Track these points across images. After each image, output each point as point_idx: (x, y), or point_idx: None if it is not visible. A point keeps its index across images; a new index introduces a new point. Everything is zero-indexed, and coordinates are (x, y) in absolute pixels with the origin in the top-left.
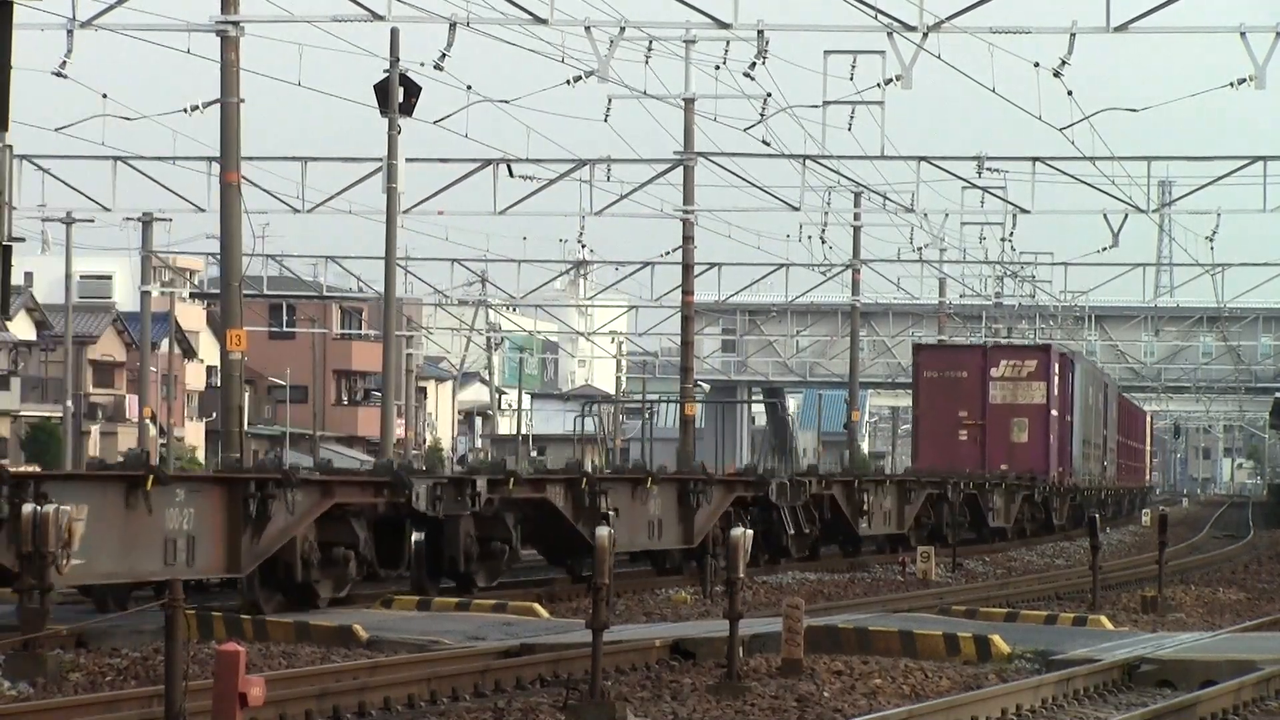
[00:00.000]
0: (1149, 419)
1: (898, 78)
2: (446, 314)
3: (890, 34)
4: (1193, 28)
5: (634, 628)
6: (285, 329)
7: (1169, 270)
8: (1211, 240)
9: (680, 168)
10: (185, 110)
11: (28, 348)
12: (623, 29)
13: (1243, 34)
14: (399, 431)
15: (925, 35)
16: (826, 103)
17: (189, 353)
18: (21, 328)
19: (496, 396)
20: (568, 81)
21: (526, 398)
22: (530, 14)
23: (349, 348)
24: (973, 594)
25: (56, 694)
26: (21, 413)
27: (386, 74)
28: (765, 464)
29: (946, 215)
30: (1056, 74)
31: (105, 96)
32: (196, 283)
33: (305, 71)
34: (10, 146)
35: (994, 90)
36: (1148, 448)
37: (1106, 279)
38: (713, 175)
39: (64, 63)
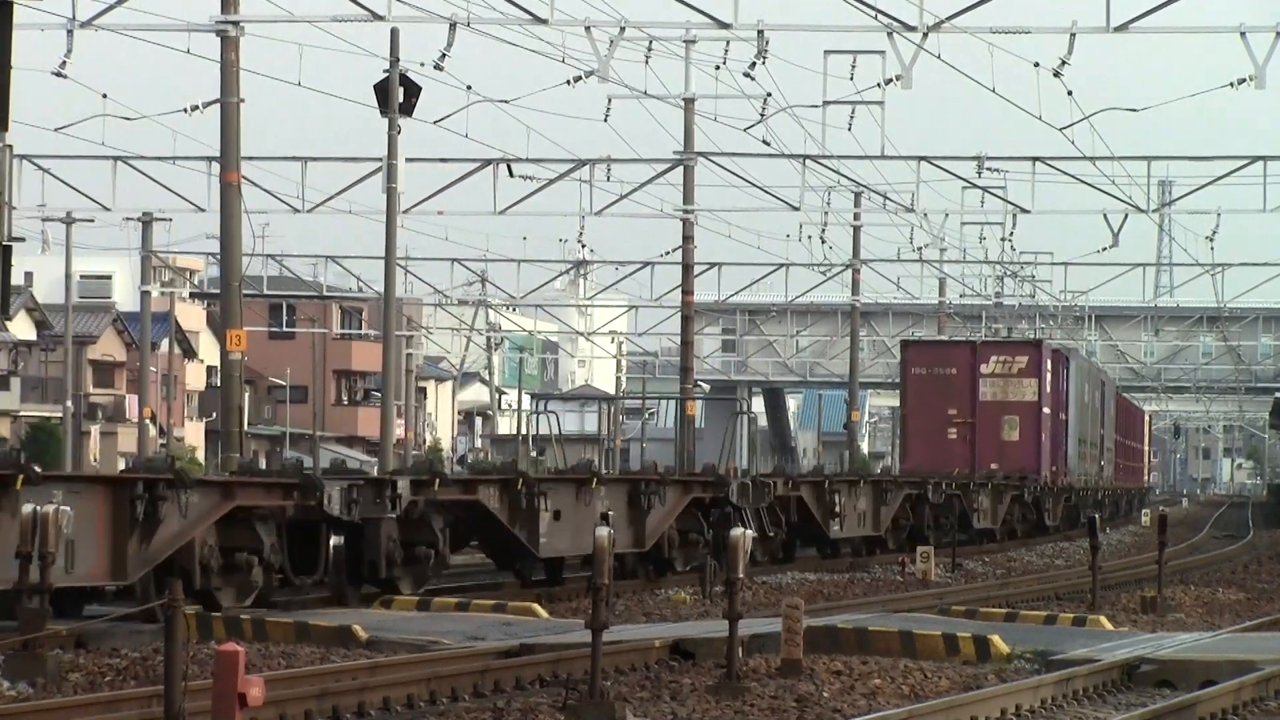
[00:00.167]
0: (1147, 418)
1: (898, 78)
2: (446, 314)
3: (890, 34)
4: (1193, 28)
5: (634, 628)
6: (285, 329)
7: (1169, 270)
8: (1211, 240)
9: (680, 168)
10: (185, 110)
11: (28, 348)
12: (623, 29)
13: (1243, 34)
14: (399, 432)
15: (925, 35)
16: (826, 103)
17: (189, 353)
18: (21, 328)
19: (496, 396)
20: (568, 81)
21: (526, 398)
22: (530, 14)
23: (349, 348)
24: (972, 594)
25: (56, 694)
26: (21, 413)
27: (386, 74)
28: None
29: (946, 215)
30: (1056, 74)
31: (105, 96)
32: (196, 283)
33: (305, 71)
34: (10, 146)
35: (994, 90)
36: (1146, 447)
37: (1106, 279)
38: (713, 175)
39: (64, 63)
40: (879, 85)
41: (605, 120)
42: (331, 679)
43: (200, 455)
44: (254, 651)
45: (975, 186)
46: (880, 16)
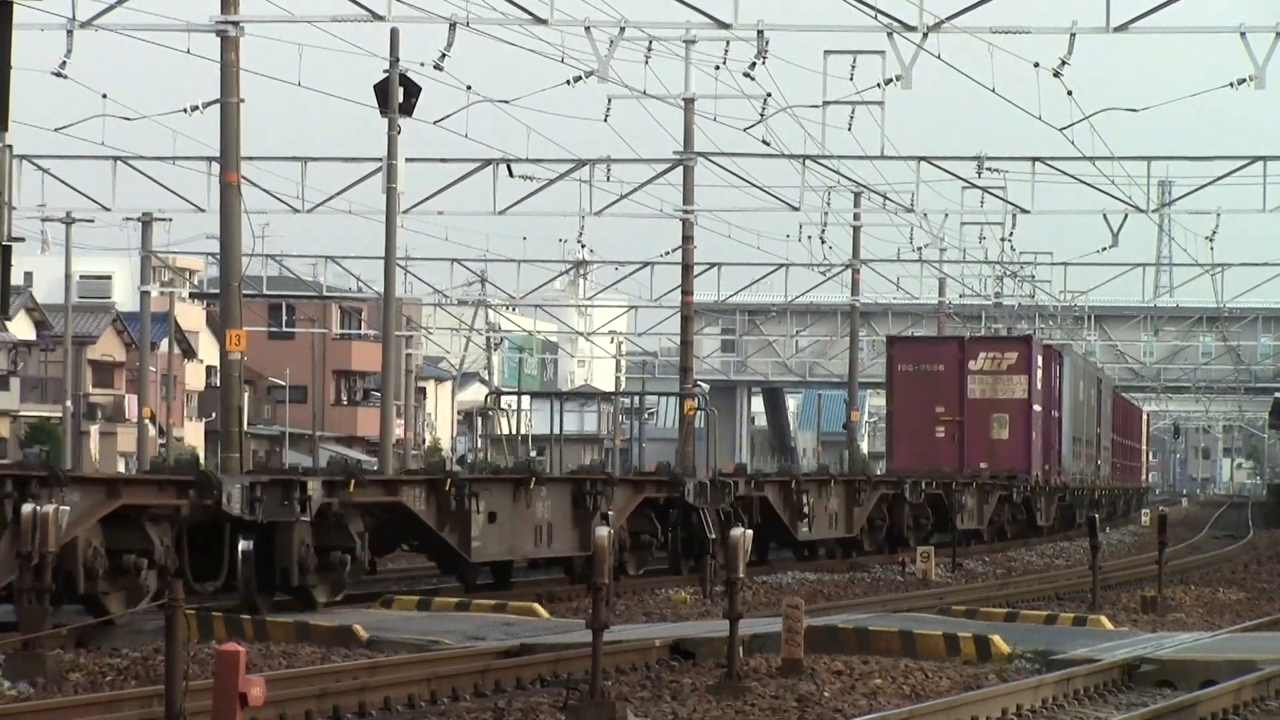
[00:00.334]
0: (1145, 417)
1: (898, 78)
2: (446, 314)
3: (890, 34)
4: (1193, 28)
5: (634, 628)
6: (285, 329)
7: (1169, 270)
8: (1211, 240)
9: (680, 168)
10: (185, 110)
11: (28, 348)
12: (623, 29)
13: (1243, 34)
14: (399, 432)
15: (925, 35)
16: (826, 103)
17: (189, 353)
18: (21, 328)
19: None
20: (568, 81)
21: (526, 398)
22: (530, 14)
23: (349, 348)
24: (973, 594)
25: (56, 694)
26: (21, 413)
27: (386, 74)
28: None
29: (946, 215)
30: (1056, 74)
31: (105, 96)
32: (196, 283)
33: (305, 71)
34: (10, 146)
35: (994, 90)
36: (1144, 446)
37: (1106, 279)
38: (713, 175)
39: (64, 63)
40: (879, 85)
41: (605, 120)
42: (332, 679)
43: (200, 455)
44: (255, 651)
45: (975, 186)
46: (880, 16)
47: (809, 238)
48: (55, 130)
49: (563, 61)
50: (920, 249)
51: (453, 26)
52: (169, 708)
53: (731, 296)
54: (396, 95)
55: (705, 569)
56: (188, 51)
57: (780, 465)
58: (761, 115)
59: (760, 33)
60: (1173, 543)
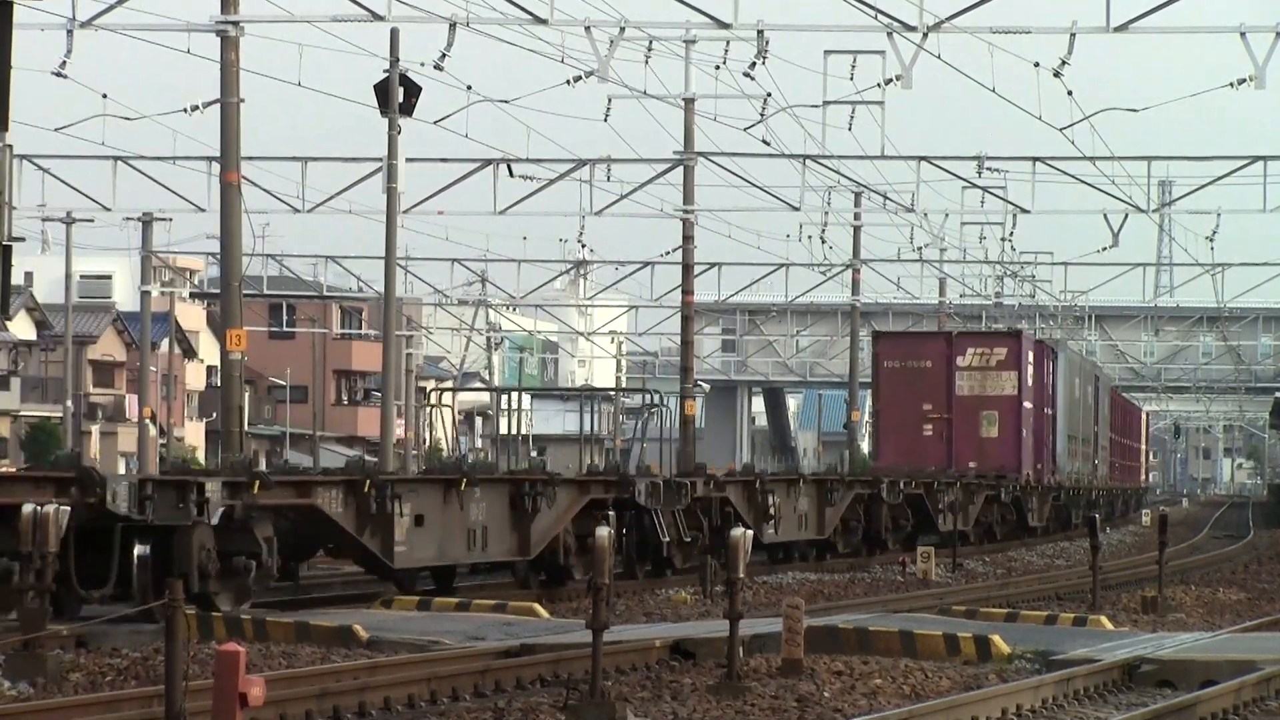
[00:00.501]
0: (1145, 416)
1: (898, 78)
2: (446, 314)
3: (890, 34)
4: (1193, 28)
5: (634, 628)
6: (285, 329)
7: (1169, 270)
8: (1211, 240)
9: (680, 168)
10: (185, 110)
11: (28, 348)
12: (623, 29)
13: (1243, 34)
14: (399, 431)
15: (925, 35)
16: (826, 103)
17: (189, 353)
18: (21, 328)
19: (496, 398)
20: (568, 81)
21: (526, 397)
22: (530, 14)
23: (349, 348)
24: (973, 594)
25: (56, 694)
26: (21, 413)
27: (386, 74)
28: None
29: (946, 215)
30: (1056, 74)
31: (105, 96)
32: (196, 283)
33: (305, 71)
34: (10, 146)
35: (994, 90)
36: (1143, 446)
37: (1106, 279)
38: (713, 175)
39: (64, 63)
40: (879, 85)
41: (605, 120)
42: (332, 679)
43: (200, 455)
44: (255, 651)
45: (975, 186)
46: (880, 16)
47: (809, 238)
48: (55, 130)
49: (563, 61)
50: (920, 249)
51: (453, 26)
52: (169, 708)
53: (732, 296)
54: (396, 95)
55: (705, 569)
56: (188, 51)
57: (786, 466)
58: (761, 115)
59: (760, 33)
60: (1173, 543)
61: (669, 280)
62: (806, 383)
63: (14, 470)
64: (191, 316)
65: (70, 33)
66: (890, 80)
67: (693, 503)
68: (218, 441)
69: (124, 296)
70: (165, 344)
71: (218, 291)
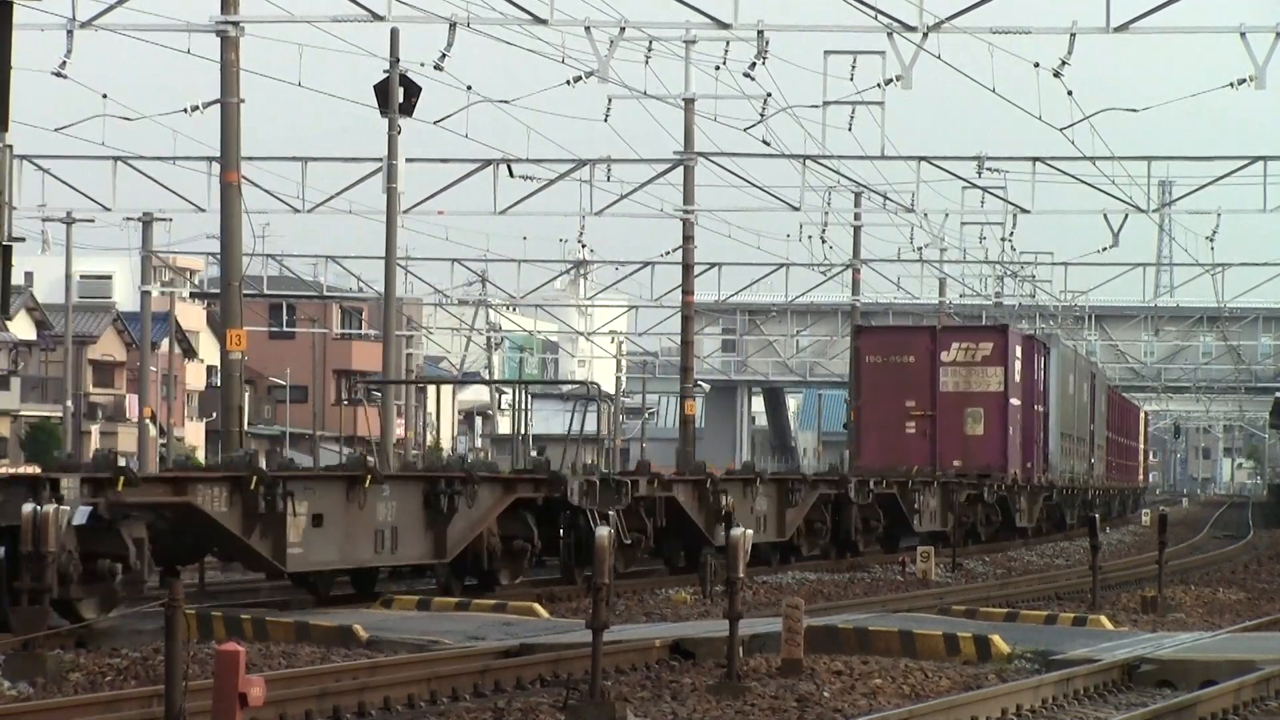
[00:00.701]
0: (1143, 415)
1: (898, 78)
2: (446, 314)
3: (890, 34)
4: (1193, 28)
5: (634, 628)
6: (285, 329)
7: (1169, 270)
8: (1211, 240)
9: (680, 168)
10: (185, 110)
11: (28, 347)
12: (623, 29)
13: (1243, 34)
14: (399, 431)
15: (925, 35)
16: (826, 103)
17: (189, 353)
18: (21, 328)
19: (496, 396)
20: (568, 81)
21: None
22: (530, 14)
23: (349, 348)
24: (972, 594)
25: (56, 694)
26: (21, 413)
27: (386, 74)
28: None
29: (946, 215)
30: (1056, 74)
31: (105, 96)
32: (196, 283)
33: (305, 71)
34: (10, 146)
35: (994, 90)
36: (1142, 445)
37: (1106, 279)
38: (713, 175)
39: (64, 63)
40: (879, 85)
41: (605, 120)
42: (332, 679)
43: (200, 455)
44: (254, 651)
45: (975, 186)
46: (880, 16)
47: (809, 238)
48: (55, 130)
49: (563, 61)
50: (920, 249)
51: (453, 26)
52: (169, 708)
53: (732, 296)
54: (396, 95)
55: (705, 569)
56: (188, 51)
57: (784, 465)
58: (761, 115)
59: (760, 33)
60: (1173, 543)
61: (669, 280)
62: (806, 383)
63: None
64: (191, 316)
65: (70, 33)
66: (890, 80)
67: (636, 503)
68: (218, 441)
69: (124, 296)
70: (165, 344)
71: (218, 291)
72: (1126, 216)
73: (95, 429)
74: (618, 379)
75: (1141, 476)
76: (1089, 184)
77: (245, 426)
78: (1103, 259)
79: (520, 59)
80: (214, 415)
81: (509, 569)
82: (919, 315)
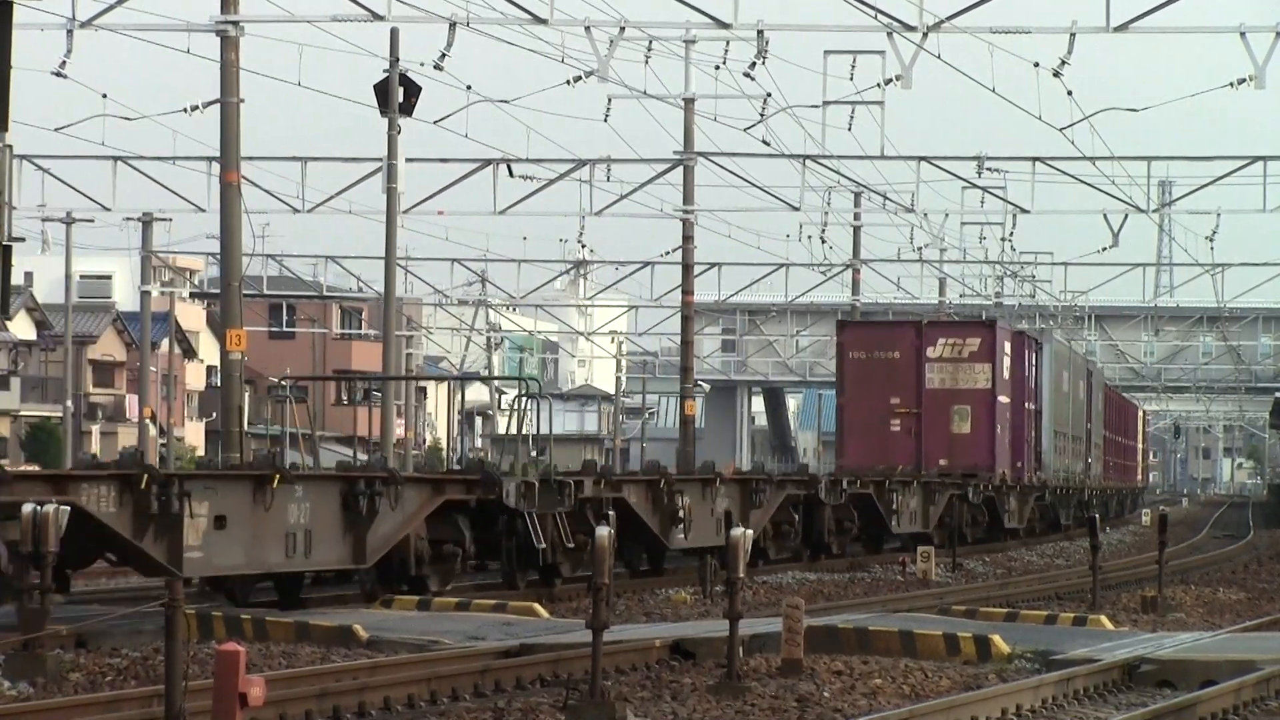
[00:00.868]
0: (1141, 414)
1: (898, 78)
2: (446, 314)
3: (890, 34)
4: (1193, 28)
5: (634, 628)
6: (285, 329)
7: (1169, 270)
8: (1211, 240)
9: (680, 168)
10: (185, 110)
11: (28, 348)
12: (623, 29)
13: (1243, 34)
14: (399, 431)
15: (925, 35)
16: (826, 103)
17: (189, 353)
18: (21, 328)
19: (496, 396)
20: (568, 81)
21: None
22: (530, 14)
23: (349, 348)
24: (973, 594)
25: (56, 694)
26: (21, 413)
27: (386, 74)
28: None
29: (946, 215)
30: (1056, 74)
31: (105, 96)
32: (196, 283)
33: (305, 71)
34: (10, 146)
35: (994, 90)
36: (1140, 445)
37: (1106, 279)
38: (713, 175)
39: (64, 63)
40: (879, 85)
41: (605, 120)
42: (332, 679)
43: (200, 455)
44: (255, 651)
45: (975, 186)
46: (880, 16)
47: (809, 238)
48: (55, 130)
49: (563, 61)
50: (920, 249)
51: (453, 26)
52: (169, 708)
53: (732, 296)
54: (396, 95)
55: (705, 569)
56: (188, 51)
57: (784, 465)
58: (761, 115)
59: (760, 33)
60: (1173, 542)
61: (669, 280)
62: (806, 383)
63: None
64: (191, 316)
65: (70, 33)
66: (890, 80)
67: (582, 504)
68: (218, 441)
69: (124, 296)
70: (165, 344)
71: (218, 291)
72: (1126, 216)
73: (95, 429)
74: (618, 379)
75: (1140, 476)
76: (1089, 184)
77: (245, 427)
78: (1103, 259)
79: (520, 59)
80: (214, 415)
81: (439, 575)
82: (919, 316)
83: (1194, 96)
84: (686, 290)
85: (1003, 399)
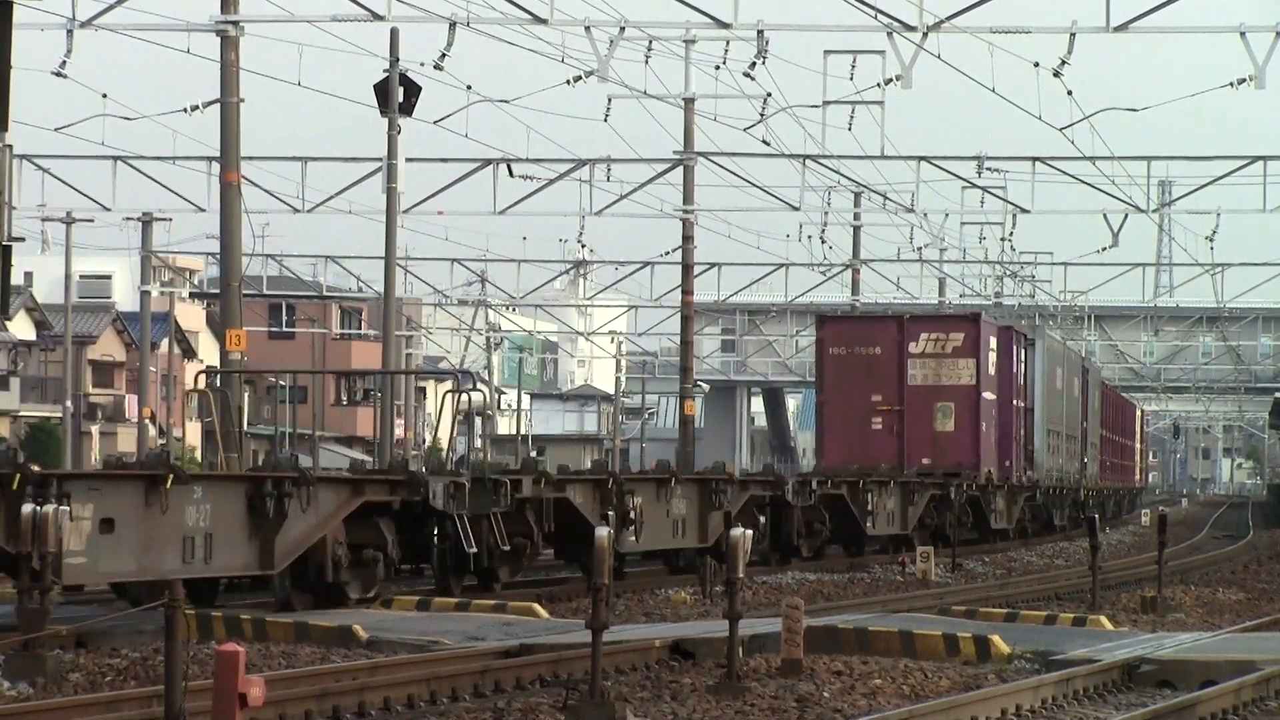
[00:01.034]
0: (1140, 413)
1: (898, 78)
2: (446, 314)
3: (890, 34)
4: (1193, 28)
5: (634, 628)
6: (285, 329)
7: (1169, 270)
8: (1211, 240)
9: (680, 168)
10: (185, 110)
11: (28, 348)
12: (623, 29)
13: (1243, 34)
14: (398, 431)
15: (925, 35)
16: (826, 103)
17: (189, 353)
18: (21, 328)
19: (496, 396)
20: (568, 81)
21: (526, 398)
22: (530, 14)
23: (349, 348)
24: (972, 594)
25: (56, 694)
26: (21, 413)
27: (386, 74)
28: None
29: (946, 215)
30: (1056, 74)
31: (105, 96)
32: (196, 283)
33: (305, 71)
34: (10, 146)
35: (994, 90)
36: (1139, 445)
37: (1106, 279)
38: (713, 175)
39: (64, 63)
40: (879, 85)
41: (605, 120)
42: (331, 679)
43: (200, 455)
44: (254, 651)
45: (975, 186)
46: (880, 16)
47: (809, 238)
48: (55, 130)
49: (563, 61)
50: (920, 249)
51: (453, 26)
52: (169, 708)
53: (731, 296)
54: (396, 95)
55: (705, 569)
56: (188, 51)
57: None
58: (761, 115)
59: (760, 33)
60: (1173, 543)
61: (669, 280)
62: (806, 383)
63: None
64: (191, 316)
65: (70, 33)
66: (890, 80)
67: (522, 505)
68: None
69: (124, 296)
70: (165, 344)
71: (218, 291)
72: (1126, 216)
73: (95, 429)
74: (617, 379)
75: (1139, 476)
76: (1089, 184)
77: (245, 427)
78: (1102, 259)
79: (520, 59)
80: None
81: (360, 581)
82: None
83: (1194, 96)
84: (686, 290)
85: (988, 395)
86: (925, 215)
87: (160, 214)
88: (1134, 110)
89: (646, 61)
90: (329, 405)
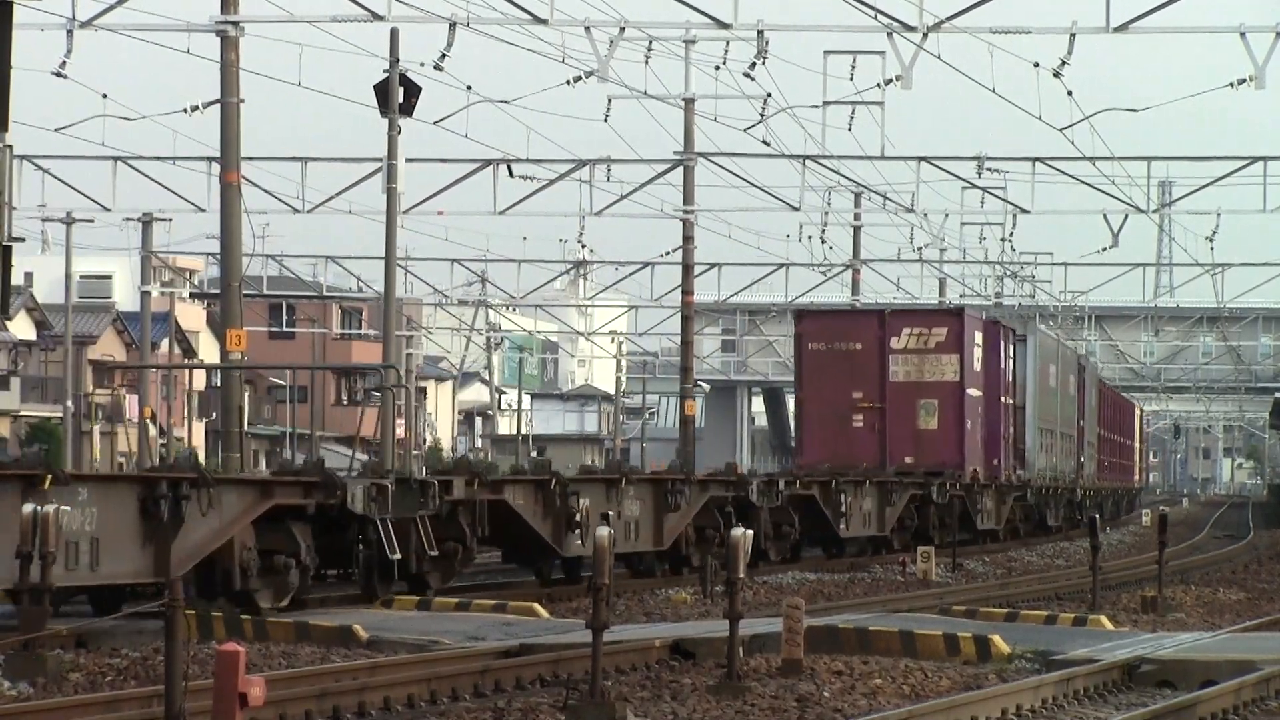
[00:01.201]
0: (1140, 412)
1: (898, 78)
2: (446, 314)
3: (890, 34)
4: (1193, 28)
5: (634, 628)
6: (285, 329)
7: (1169, 270)
8: (1211, 240)
9: (680, 168)
10: (185, 110)
11: (28, 348)
12: (623, 29)
13: (1243, 34)
14: (399, 431)
15: (925, 35)
16: (826, 103)
17: (189, 353)
18: (21, 328)
19: (496, 396)
20: (568, 81)
21: (526, 398)
22: (530, 14)
23: (349, 348)
24: (973, 594)
25: (56, 694)
26: (21, 413)
27: (386, 74)
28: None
29: (946, 215)
30: (1056, 74)
31: (105, 96)
32: (196, 283)
33: (305, 71)
34: (10, 146)
35: (994, 90)
36: (1138, 444)
37: (1106, 279)
38: (713, 175)
39: (64, 63)
40: (879, 85)
41: (605, 120)
42: (332, 679)
43: (201, 455)
44: (254, 651)
45: (975, 186)
46: (880, 16)
47: (809, 238)
48: (55, 130)
49: (563, 61)
50: (920, 249)
51: (453, 26)
52: (169, 708)
53: (732, 296)
54: (396, 95)
55: (705, 569)
56: (188, 51)
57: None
58: (761, 115)
59: (760, 33)
60: (1173, 543)
61: (669, 280)
62: None
63: None
64: (191, 316)
65: (70, 33)
66: (890, 80)
67: (455, 508)
68: (218, 442)
69: (124, 296)
70: (165, 344)
71: (218, 291)
72: (1126, 217)
73: (95, 429)
74: (618, 379)
75: (1138, 476)
76: (1089, 184)
77: (245, 427)
78: (1103, 259)
79: (520, 59)
80: (214, 415)
81: (272, 588)
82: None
83: (1194, 96)
84: (686, 290)
85: (973, 392)
86: (925, 215)
87: (160, 214)
88: (1134, 110)
89: (646, 62)
90: (329, 405)
